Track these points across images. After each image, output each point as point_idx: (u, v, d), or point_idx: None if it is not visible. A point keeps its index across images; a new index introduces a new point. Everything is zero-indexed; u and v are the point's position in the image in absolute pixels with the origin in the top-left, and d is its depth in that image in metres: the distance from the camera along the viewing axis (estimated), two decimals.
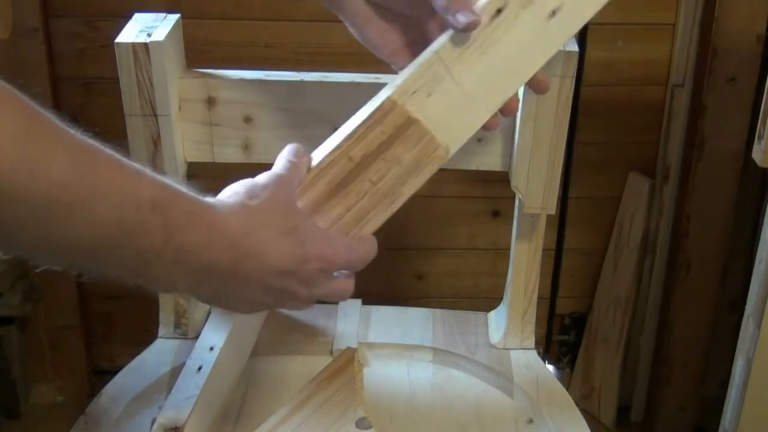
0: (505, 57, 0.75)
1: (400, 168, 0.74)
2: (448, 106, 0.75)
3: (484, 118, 0.76)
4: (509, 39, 0.75)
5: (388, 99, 0.73)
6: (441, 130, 0.75)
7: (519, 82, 0.77)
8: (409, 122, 0.74)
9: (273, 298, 0.71)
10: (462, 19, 0.73)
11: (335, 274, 0.73)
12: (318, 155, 0.75)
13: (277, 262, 0.67)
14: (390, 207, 0.76)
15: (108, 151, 0.59)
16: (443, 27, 0.77)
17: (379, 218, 0.76)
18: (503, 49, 0.75)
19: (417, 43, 0.80)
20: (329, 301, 0.75)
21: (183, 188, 0.63)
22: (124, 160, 0.59)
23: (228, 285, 0.67)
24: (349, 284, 0.74)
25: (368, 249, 0.75)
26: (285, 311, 1.13)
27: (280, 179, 0.71)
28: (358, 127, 0.73)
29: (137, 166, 0.60)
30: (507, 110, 0.78)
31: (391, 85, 0.75)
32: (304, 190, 0.73)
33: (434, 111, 0.75)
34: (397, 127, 0.74)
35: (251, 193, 0.68)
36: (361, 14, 0.80)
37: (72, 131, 0.57)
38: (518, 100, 0.78)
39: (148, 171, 0.61)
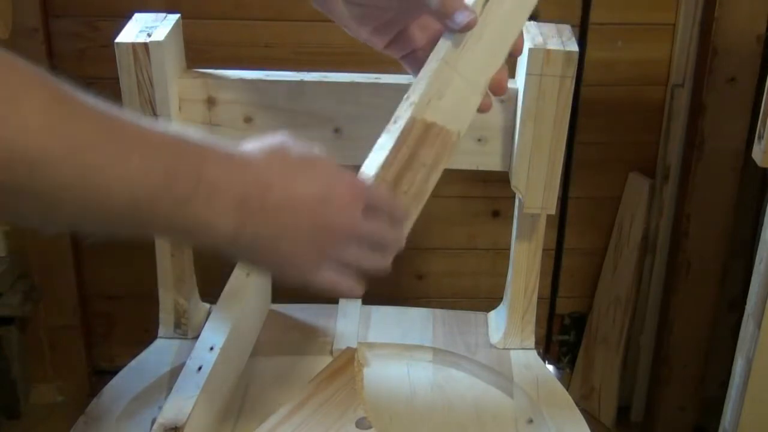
0: (495, 34, 0.77)
1: (425, 169, 0.77)
2: (456, 99, 0.77)
3: (482, 93, 0.78)
4: (497, 17, 0.76)
5: (411, 119, 0.76)
6: (452, 121, 0.77)
7: (505, 52, 0.79)
8: (428, 128, 0.76)
9: (312, 236, 0.68)
10: (461, 19, 0.74)
11: None
12: None
13: (304, 188, 0.67)
14: (420, 205, 0.78)
15: (126, 111, 0.61)
16: (428, 26, 0.79)
17: (412, 218, 0.78)
18: (493, 27, 0.77)
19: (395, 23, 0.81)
20: (377, 246, 0.73)
21: (203, 135, 0.65)
22: (142, 117, 0.62)
23: (264, 224, 0.66)
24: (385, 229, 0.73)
25: (385, 196, 0.75)
26: (285, 313, 1.13)
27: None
28: (389, 155, 0.75)
29: (155, 120, 0.62)
30: (498, 89, 0.79)
31: (407, 102, 0.77)
32: None
33: (446, 108, 0.77)
34: (418, 138, 0.76)
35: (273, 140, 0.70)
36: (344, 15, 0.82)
37: (88, 97, 0.59)
38: (506, 78, 0.79)
39: (166, 123, 0.63)
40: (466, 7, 0.74)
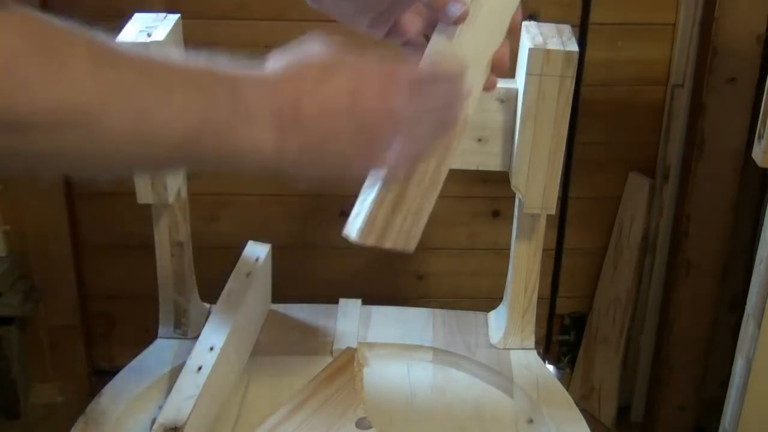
0: (491, 14, 0.77)
1: (437, 158, 0.77)
2: None
3: (485, 75, 0.79)
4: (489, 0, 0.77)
5: None
6: None
7: (503, 29, 0.79)
8: None
9: (357, 129, 0.68)
10: (453, 11, 0.74)
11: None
12: (371, 186, 0.77)
13: (336, 85, 0.67)
14: (435, 194, 0.78)
15: (156, 53, 0.64)
16: (423, 10, 0.79)
17: (430, 207, 0.78)
18: (486, 9, 0.77)
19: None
20: (440, 118, 0.72)
21: (230, 61, 0.67)
22: (170, 56, 0.65)
23: (304, 134, 0.66)
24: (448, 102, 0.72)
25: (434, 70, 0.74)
26: (285, 313, 1.13)
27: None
28: None
29: (183, 56, 0.65)
30: (500, 66, 0.79)
31: None
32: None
33: None
34: None
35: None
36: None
37: (119, 44, 0.61)
38: (508, 55, 0.79)
39: (194, 56, 0.65)
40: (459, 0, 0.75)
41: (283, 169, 0.68)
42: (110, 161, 0.60)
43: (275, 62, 0.68)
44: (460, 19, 0.75)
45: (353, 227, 0.76)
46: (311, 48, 0.69)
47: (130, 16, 0.98)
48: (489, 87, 0.80)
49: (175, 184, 0.99)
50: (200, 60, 0.65)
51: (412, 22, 0.82)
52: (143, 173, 0.65)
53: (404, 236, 0.77)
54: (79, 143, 0.57)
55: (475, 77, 0.78)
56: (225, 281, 1.04)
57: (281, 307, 1.14)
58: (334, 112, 0.67)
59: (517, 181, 0.99)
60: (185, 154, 0.63)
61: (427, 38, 0.82)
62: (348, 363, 1.00)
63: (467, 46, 0.77)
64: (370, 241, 0.76)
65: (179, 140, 0.61)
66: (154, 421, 0.86)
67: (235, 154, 0.65)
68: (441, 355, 1.06)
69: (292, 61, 0.68)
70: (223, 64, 0.66)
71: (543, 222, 1.03)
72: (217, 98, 0.63)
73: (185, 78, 0.63)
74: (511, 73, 1.01)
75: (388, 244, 0.76)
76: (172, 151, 0.62)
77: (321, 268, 1.62)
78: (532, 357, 1.06)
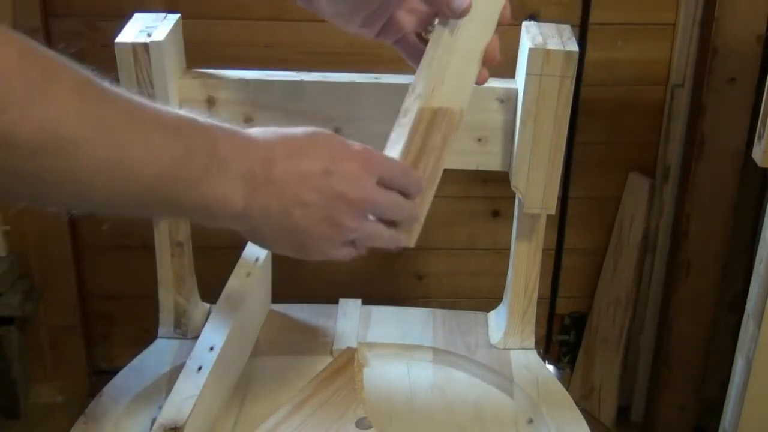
0: (485, 6, 0.79)
1: (436, 151, 0.78)
2: (456, 78, 0.79)
3: (478, 67, 0.80)
4: None
5: (420, 110, 0.77)
6: (455, 100, 0.79)
7: (495, 22, 0.80)
8: (435, 113, 0.77)
9: (325, 209, 0.69)
10: (459, 4, 0.76)
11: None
12: None
13: (309, 161, 0.69)
14: (435, 184, 0.79)
15: (139, 96, 0.64)
16: (414, 8, 0.81)
17: (428, 204, 0.79)
18: (479, 2, 0.78)
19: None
20: (391, 217, 0.73)
21: (211, 119, 0.68)
22: (154, 102, 0.65)
23: (272, 197, 0.68)
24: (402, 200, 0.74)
25: (401, 167, 0.75)
26: (285, 313, 1.13)
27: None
28: (404, 148, 0.76)
29: (165, 105, 0.66)
30: (492, 59, 0.80)
31: (414, 94, 0.77)
32: None
33: (448, 90, 0.78)
34: (428, 125, 0.77)
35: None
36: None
37: (104, 81, 0.61)
38: (498, 47, 0.81)
39: (175, 108, 0.68)
40: None
41: (249, 227, 0.70)
42: (84, 192, 0.61)
43: (258, 130, 0.70)
44: (464, 13, 0.76)
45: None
46: (300, 128, 0.71)
47: (130, 16, 0.98)
48: (481, 81, 0.81)
49: None
50: (185, 112, 0.66)
51: (405, 19, 0.83)
52: (113, 213, 0.65)
53: (406, 233, 0.77)
54: (56, 169, 0.57)
55: (469, 70, 0.80)
56: (225, 281, 1.04)
57: (281, 307, 1.14)
58: (306, 180, 0.69)
59: (517, 181, 0.99)
60: (157, 196, 0.64)
61: (420, 36, 0.83)
62: (348, 363, 1.00)
63: (466, 39, 0.78)
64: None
65: (153, 180, 0.62)
66: (154, 421, 0.86)
67: (205, 202, 0.66)
68: (441, 355, 1.06)
69: (275, 129, 0.70)
70: (206, 119, 0.67)
71: (543, 222, 1.03)
72: (195, 146, 0.64)
73: (167, 122, 0.64)
74: (511, 73, 1.01)
75: None
76: (144, 190, 0.63)
77: (321, 268, 1.62)
78: (532, 357, 1.06)
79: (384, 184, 0.72)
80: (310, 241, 0.71)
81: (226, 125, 0.68)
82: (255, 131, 0.70)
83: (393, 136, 0.78)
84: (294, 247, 0.72)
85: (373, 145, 1.00)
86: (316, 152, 0.70)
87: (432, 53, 0.77)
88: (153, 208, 0.68)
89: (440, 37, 0.77)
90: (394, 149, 0.76)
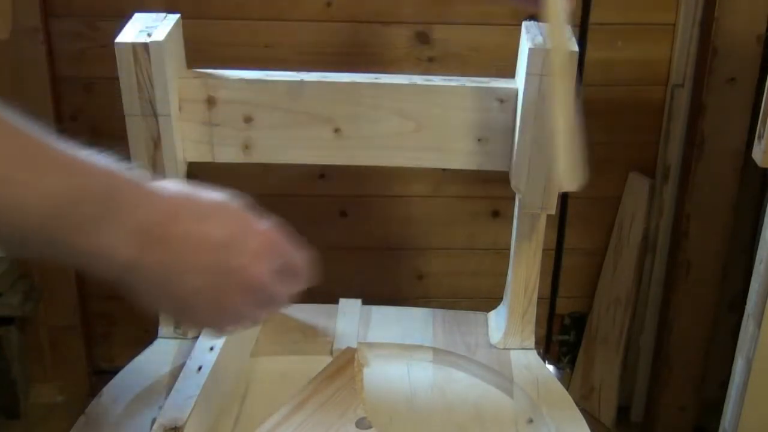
0: None
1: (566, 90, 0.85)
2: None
3: None
4: None
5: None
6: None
7: None
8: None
9: (216, 280, 0.66)
10: None
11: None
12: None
13: (214, 228, 0.66)
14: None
15: (42, 131, 0.60)
16: None
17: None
18: None
19: None
20: (270, 305, 0.71)
21: (117, 163, 0.64)
22: (57, 138, 0.62)
23: (164, 257, 0.64)
24: (287, 293, 0.72)
25: (301, 259, 0.74)
26: (285, 313, 1.13)
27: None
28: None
29: (69, 144, 0.62)
30: None
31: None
32: None
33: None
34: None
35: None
36: None
37: (4, 111, 0.59)
38: None
39: (80, 148, 0.63)
40: None
41: (131, 282, 0.66)
42: None
43: (167, 183, 0.66)
44: None
45: (568, 178, 0.81)
46: (214, 192, 0.68)
47: (130, 16, 0.98)
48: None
49: None
50: (88, 153, 0.62)
51: None
52: (7, 251, 0.63)
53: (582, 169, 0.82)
54: None
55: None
56: None
57: None
58: (203, 247, 0.66)
59: (517, 181, 0.99)
60: (41, 236, 0.60)
61: None
62: (348, 363, 1.00)
63: None
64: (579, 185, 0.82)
65: (39, 219, 0.59)
66: (154, 421, 0.86)
67: (91, 250, 0.62)
68: (441, 355, 1.06)
69: (182, 187, 0.67)
70: (110, 162, 0.63)
71: (543, 222, 1.03)
72: (89, 190, 0.61)
73: (64, 161, 0.60)
74: (511, 73, 1.01)
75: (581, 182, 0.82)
76: (30, 228, 0.59)
77: (321, 268, 1.62)
78: (532, 357, 1.06)
79: (277, 269, 0.70)
80: (190, 308, 0.68)
81: (135, 173, 0.64)
82: (165, 184, 0.66)
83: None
84: (173, 309, 0.69)
85: (373, 145, 1.00)
86: (223, 221, 0.67)
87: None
88: (37, 246, 0.62)
89: None
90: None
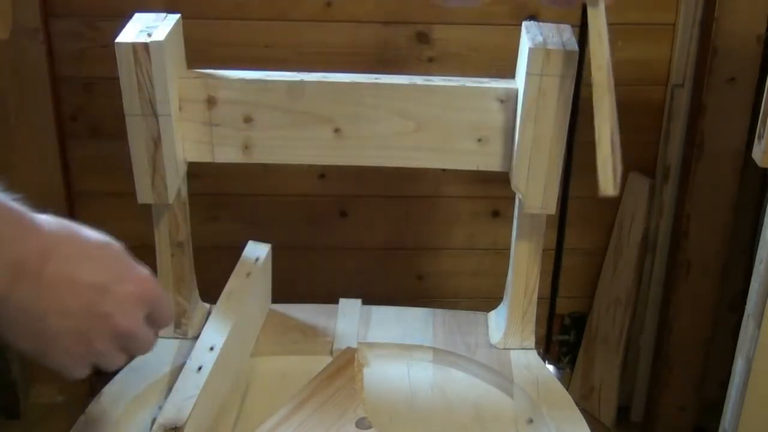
0: None
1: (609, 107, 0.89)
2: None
3: None
4: None
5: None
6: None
7: None
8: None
9: (84, 324, 0.66)
10: None
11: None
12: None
13: (89, 271, 0.65)
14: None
15: None
16: None
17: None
18: None
19: None
20: (135, 351, 0.71)
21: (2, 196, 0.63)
22: None
23: (35, 294, 0.63)
24: (155, 338, 0.72)
25: (170, 310, 0.73)
26: (285, 313, 1.13)
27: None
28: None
29: None
30: None
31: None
32: None
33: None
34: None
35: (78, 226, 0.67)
36: None
37: None
38: None
39: None
40: None
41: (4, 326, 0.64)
42: None
43: (49, 219, 0.65)
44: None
45: (608, 184, 0.92)
46: (94, 233, 0.67)
47: (130, 16, 0.98)
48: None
49: (175, 184, 0.99)
50: None
51: None
52: None
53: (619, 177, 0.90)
54: None
55: None
56: (225, 281, 1.04)
57: (281, 307, 1.14)
58: (77, 289, 0.64)
59: (517, 181, 0.99)
60: None
61: None
62: (348, 363, 1.00)
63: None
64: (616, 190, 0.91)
65: None
66: (154, 421, 0.86)
67: None
68: (441, 355, 1.06)
69: (68, 225, 0.66)
70: None
71: (543, 222, 1.03)
72: None
73: None
74: (511, 73, 1.01)
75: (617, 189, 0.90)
76: None
77: (321, 268, 1.62)
78: (532, 357, 1.06)
79: (147, 318, 0.69)
80: (53, 350, 0.67)
81: (16, 205, 0.63)
82: (46, 220, 0.65)
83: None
84: (34, 349, 0.67)
85: (373, 145, 1.00)
86: (100, 264, 0.66)
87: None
88: None
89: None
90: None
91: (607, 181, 0.91)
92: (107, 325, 0.67)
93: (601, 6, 0.86)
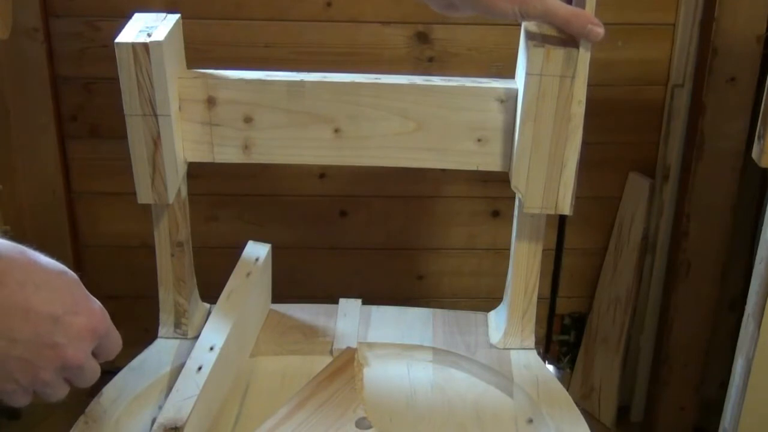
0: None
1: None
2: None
3: None
4: None
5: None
6: None
7: None
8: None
9: (32, 352, 0.64)
10: (598, 31, 0.87)
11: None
12: None
13: (43, 300, 0.64)
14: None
15: None
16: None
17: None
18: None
19: None
20: (79, 384, 0.70)
21: None
22: None
23: None
24: (99, 370, 0.71)
25: (118, 343, 0.73)
26: (285, 313, 1.13)
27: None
28: None
29: None
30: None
31: None
32: None
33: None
34: None
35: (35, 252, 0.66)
36: None
37: None
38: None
39: None
40: (593, 21, 0.87)
41: None
42: None
43: (4, 244, 0.64)
44: (597, 37, 0.87)
45: (566, 205, 0.96)
46: (51, 261, 0.66)
47: (130, 16, 0.98)
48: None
49: (175, 184, 0.99)
50: None
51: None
52: None
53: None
54: None
55: None
56: (225, 281, 1.04)
57: (281, 307, 1.14)
58: (30, 318, 0.63)
59: (517, 181, 0.99)
60: None
61: None
62: (348, 363, 1.00)
63: None
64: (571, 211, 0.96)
65: None
66: (154, 421, 0.86)
67: None
68: (441, 355, 1.06)
69: (24, 251, 0.65)
70: None
71: (543, 222, 1.03)
72: None
73: None
74: (511, 73, 1.01)
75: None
76: None
77: (321, 268, 1.62)
78: (532, 357, 1.05)
79: (93, 351, 0.69)
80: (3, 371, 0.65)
81: None
82: (2, 243, 0.64)
83: None
84: None
85: (373, 145, 1.00)
86: (55, 294, 0.65)
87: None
88: None
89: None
90: None
91: (566, 203, 0.97)
92: (56, 355, 0.65)
93: (590, 51, 0.91)
